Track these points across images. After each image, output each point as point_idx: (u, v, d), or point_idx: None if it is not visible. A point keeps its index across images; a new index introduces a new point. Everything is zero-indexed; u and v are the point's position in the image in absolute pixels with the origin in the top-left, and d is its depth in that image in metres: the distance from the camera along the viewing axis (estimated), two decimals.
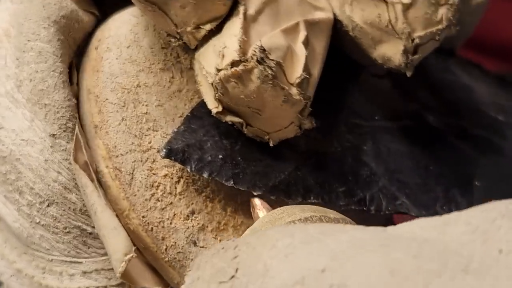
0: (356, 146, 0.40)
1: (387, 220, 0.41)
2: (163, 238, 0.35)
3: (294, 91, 0.34)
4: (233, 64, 0.33)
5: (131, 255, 0.34)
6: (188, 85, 0.39)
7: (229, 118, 0.36)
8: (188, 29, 0.36)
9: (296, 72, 0.34)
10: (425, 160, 0.42)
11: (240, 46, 0.33)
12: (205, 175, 0.35)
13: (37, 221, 0.36)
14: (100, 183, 0.36)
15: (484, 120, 0.48)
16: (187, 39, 0.37)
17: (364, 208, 0.38)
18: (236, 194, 0.37)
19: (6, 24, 0.38)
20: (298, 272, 0.21)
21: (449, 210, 0.39)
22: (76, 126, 0.36)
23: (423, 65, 0.50)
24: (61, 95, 0.36)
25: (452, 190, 0.41)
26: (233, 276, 0.23)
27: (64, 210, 0.36)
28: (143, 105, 0.37)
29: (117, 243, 0.34)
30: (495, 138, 0.47)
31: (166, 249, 0.35)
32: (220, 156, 0.36)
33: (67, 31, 0.38)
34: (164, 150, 0.35)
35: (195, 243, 0.35)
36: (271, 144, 0.36)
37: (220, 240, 0.36)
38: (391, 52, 0.39)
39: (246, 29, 0.34)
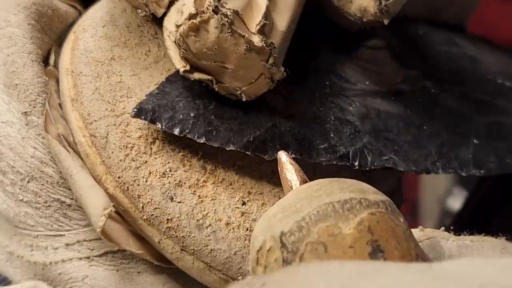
0: (341, 107, 0.40)
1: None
2: (139, 196, 0.35)
3: (255, 38, 0.33)
4: (191, 17, 0.33)
5: (110, 209, 0.34)
6: (166, 57, 0.39)
7: (197, 76, 0.35)
8: None
9: (255, 19, 0.34)
10: (419, 121, 0.41)
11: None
12: (176, 132, 0.35)
13: (20, 198, 0.37)
14: (79, 155, 0.36)
15: (488, 86, 0.47)
16: (153, 8, 0.37)
17: (347, 164, 0.37)
18: (216, 153, 0.37)
19: None
20: None
21: (441, 166, 0.38)
22: (46, 101, 0.37)
23: (424, 39, 0.49)
24: (30, 73, 0.37)
25: (445, 146, 0.39)
26: None
27: (42, 184, 0.36)
28: (117, 75, 0.38)
29: (95, 200, 0.34)
30: (500, 100, 0.46)
31: (143, 206, 0.35)
32: (192, 115, 0.35)
33: (40, 16, 0.39)
34: (134, 110, 0.35)
35: (172, 199, 0.35)
36: (243, 99, 0.36)
37: (198, 196, 0.35)
38: (366, 1, 0.38)
39: None
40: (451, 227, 0.35)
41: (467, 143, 0.40)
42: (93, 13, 0.41)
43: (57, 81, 0.39)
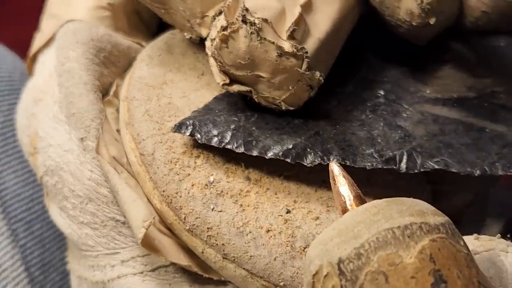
0: (393, 114, 0.38)
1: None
2: (181, 207, 0.35)
3: (286, 44, 0.34)
4: (223, 30, 0.34)
5: (149, 221, 0.34)
6: None
7: (237, 88, 0.36)
8: (197, 21, 0.38)
9: (286, 26, 0.34)
10: (482, 124, 0.39)
11: (225, 12, 0.34)
12: (214, 143, 0.35)
13: (81, 220, 0.39)
14: (133, 175, 0.38)
15: None
16: (198, 30, 0.38)
17: (394, 167, 0.35)
18: (261, 164, 0.37)
19: (54, 60, 0.42)
20: None
21: (501, 166, 0.36)
22: (100, 127, 0.39)
23: (505, 50, 0.48)
24: (85, 102, 0.39)
25: (507, 147, 0.37)
26: None
27: (99, 205, 0.38)
28: (167, 97, 0.39)
29: (136, 213, 0.35)
30: None
31: (185, 217, 0.35)
32: (232, 127, 0.36)
33: (98, 51, 0.42)
34: (176, 125, 0.36)
35: (212, 209, 0.35)
36: (283, 108, 0.36)
37: (240, 205, 0.35)
38: (410, 3, 0.38)
39: None
40: (508, 235, 0.33)
41: None
42: (152, 45, 0.43)
43: (117, 110, 0.41)
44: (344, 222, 0.28)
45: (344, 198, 0.30)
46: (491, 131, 0.38)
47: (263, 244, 0.34)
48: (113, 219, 0.38)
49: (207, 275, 0.36)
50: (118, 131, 0.40)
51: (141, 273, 0.37)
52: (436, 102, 0.40)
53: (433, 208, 0.28)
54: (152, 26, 0.48)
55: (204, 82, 0.40)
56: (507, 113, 0.40)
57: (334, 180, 0.31)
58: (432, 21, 0.37)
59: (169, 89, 0.40)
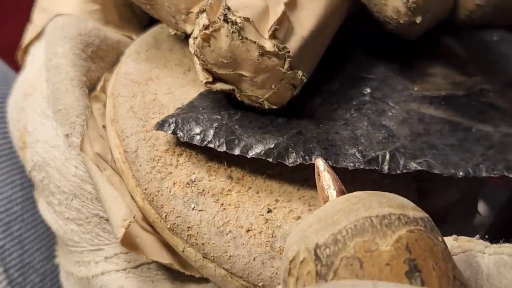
0: (378, 113, 0.38)
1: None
2: (162, 206, 0.35)
3: (267, 43, 0.34)
4: (205, 28, 0.34)
5: (129, 220, 0.34)
6: None
7: (220, 86, 0.36)
8: (182, 17, 0.38)
9: (268, 25, 0.34)
10: (469, 124, 0.38)
11: (207, 11, 0.34)
12: (196, 141, 0.35)
13: (67, 216, 0.39)
14: (117, 172, 0.38)
15: None
16: (183, 26, 0.38)
17: (376, 168, 0.35)
18: (244, 163, 0.37)
19: (43, 54, 0.42)
20: None
21: (485, 168, 0.35)
22: (85, 123, 0.39)
23: (497, 45, 0.47)
24: (71, 98, 0.39)
25: (492, 149, 0.36)
26: None
27: (83, 201, 0.38)
28: (152, 94, 0.39)
29: (116, 212, 0.35)
30: None
31: (166, 216, 0.35)
32: (215, 125, 0.36)
33: (86, 46, 0.42)
34: (158, 123, 0.36)
35: (193, 208, 0.35)
36: (266, 107, 0.36)
37: (221, 204, 0.35)
38: (396, 2, 0.37)
39: None
40: (486, 236, 0.32)
41: None
42: (141, 39, 0.43)
43: (104, 105, 0.41)
44: (325, 210, 0.28)
45: (327, 193, 0.30)
46: (477, 131, 0.38)
47: (243, 244, 0.34)
48: (97, 216, 0.38)
49: (188, 273, 0.37)
50: (104, 127, 0.40)
51: (124, 269, 0.37)
52: (423, 100, 0.40)
53: (413, 204, 0.28)
54: (144, 19, 0.48)
55: (190, 78, 0.40)
56: (495, 112, 0.39)
57: (319, 175, 0.31)
58: (418, 20, 0.37)
59: (154, 85, 0.40)
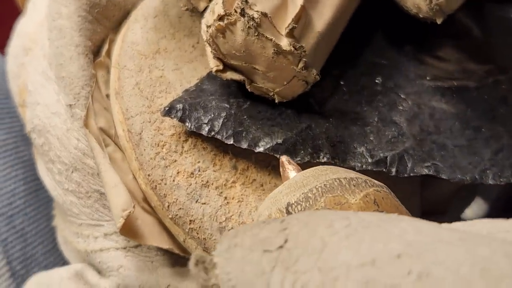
0: (389, 106, 0.37)
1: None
2: (165, 195, 0.35)
3: (284, 42, 0.32)
4: (220, 19, 0.33)
5: (128, 210, 0.34)
6: None
7: (230, 76, 0.35)
8: None
9: (286, 22, 0.33)
10: (479, 122, 0.38)
11: (224, 0, 0.33)
12: (204, 132, 0.35)
13: (66, 187, 0.38)
14: (120, 147, 0.38)
15: None
16: (195, 3, 0.37)
17: (384, 170, 0.35)
18: (250, 152, 0.36)
19: (46, 8, 0.41)
20: (366, 254, 0.20)
21: (492, 175, 0.35)
22: (90, 95, 0.38)
23: (501, 25, 0.46)
24: (75, 67, 0.38)
25: (501, 153, 0.36)
26: (281, 246, 0.22)
27: (84, 175, 0.38)
28: (159, 69, 0.38)
29: (116, 200, 0.35)
30: None
31: (168, 206, 0.35)
32: (223, 114, 0.35)
33: (92, 7, 0.40)
34: (166, 108, 0.35)
35: (196, 200, 0.35)
36: (276, 101, 0.35)
37: (225, 197, 0.35)
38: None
39: None
40: None
41: None
42: (149, 1, 0.41)
43: (109, 71, 0.40)
44: (294, 179, 0.29)
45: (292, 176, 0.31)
46: (487, 130, 0.37)
47: None
48: (97, 192, 0.38)
49: (188, 257, 0.37)
50: (107, 96, 0.39)
51: (124, 248, 0.38)
52: (435, 92, 0.39)
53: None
54: None
55: (198, 53, 0.39)
56: (506, 108, 0.39)
57: (284, 168, 0.32)
58: (439, 20, 0.36)
59: (161, 59, 0.38)
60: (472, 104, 0.39)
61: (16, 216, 0.46)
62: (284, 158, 0.32)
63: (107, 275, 0.38)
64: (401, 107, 0.38)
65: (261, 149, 0.34)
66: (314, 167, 0.30)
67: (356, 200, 0.27)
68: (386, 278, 0.19)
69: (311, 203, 0.27)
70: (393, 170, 0.35)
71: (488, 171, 0.35)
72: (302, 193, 0.27)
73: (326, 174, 0.28)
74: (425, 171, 0.35)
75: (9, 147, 0.48)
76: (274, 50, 0.32)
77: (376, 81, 0.39)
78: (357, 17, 0.40)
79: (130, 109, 0.37)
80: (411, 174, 0.35)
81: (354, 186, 0.28)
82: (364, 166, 0.35)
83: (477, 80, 0.40)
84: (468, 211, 0.49)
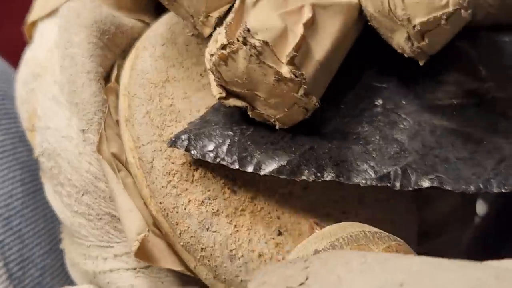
0: (390, 125, 0.38)
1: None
2: (177, 223, 0.36)
3: (284, 69, 0.34)
4: (223, 47, 0.34)
5: (143, 234, 0.36)
6: None
7: (233, 102, 0.36)
8: (201, 18, 0.38)
9: (287, 50, 0.34)
10: (480, 135, 0.39)
11: (227, 30, 0.34)
12: (209, 159, 0.36)
13: (75, 209, 0.40)
14: (131, 173, 0.39)
15: None
16: (200, 28, 0.38)
17: (388, 185, 0.36)
18: (258, 180, 0.38)
19: (56, 36, 0.42)
20: (374, 285, 0.22)
21: (496, 184, 0.36)
22: (102, 121, 0.39)
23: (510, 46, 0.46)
24: (88, 93, 0.40)
25: (504, 162, 0.37)
26: (302, 283, 0.24)
27: (95, 198, 0.39)
28: (168, 98, 0.39)
29: (131, 224, 0.36)
30: None
31: (180, 233, 0.36)
32: (228, 141, 0.36)
33: (102, 34, 0.42)
34: (172, 139, 0.37)
35: (207, 228, 0.36)
36: (277, 127, 0.36)
37: (235, 225, 0.36)
38: (401, 40, 0.37)
39: (240, 13, 0.35)
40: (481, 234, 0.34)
41: None
42: (156, 28, 0.43)
43: (118, 97, 0.41)
44: (322, 231, 0.32)
45: None
46: (488, 143, 0.38)
47: (253, 269, 0.36)
48: (108, 214, 0.39)
49: (200, 278, 0.38)
50: (117, 121, 0.40)
51: (134, 269, 0.39)
52: (435, 111, 0.40)
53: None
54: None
55: (206, 81, 0.40)
56: (507, 122, 0.39)
57: (313, 229, 0.34)
58: (421, 62, 0.37)
59: (171, 88, 0.40)
60: (473, 120, 0.39)
61: (13, 218, 0.47)
62: (312, 220, 0.35)
63: None
64: (402, 126, 0.38)
65: (266, 172, 0.36)
66: (341, 223, 0.32)
67: (379, 250, 0.29)
68: None
69: (337, 250, 0.29)
70: (397, 184, 0.36)
71: (492, 180, 0.36)
72: (329, 242, 0.29)
73: (352, 227, 0.31)
74: (429, 184, 0.36)
75: (7, 148, 0.49)
76: (275, 77, 0.34)
77: (376, 103, 0.40)
78: (357, 45, 0.42)
79: (141, 138, 0.38)
80: (416, 187, 0.36)
81: (378, 238, 0.30)
82: (368, 182, 0.36)
83: (476, 97, 0.41)
84: None
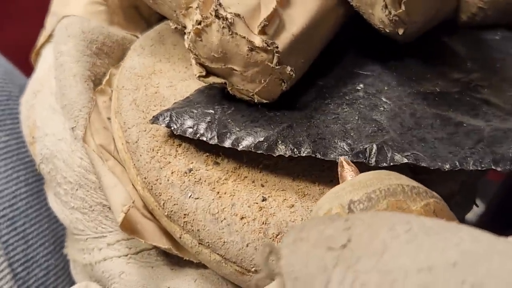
0: (371, 107, 0.39)
1: None
2: (160, 194, 0.37)
3: (257, 39, 0.35)
4: (197, 24, 0.35)
5: (128, 205, 0.36)
6: None
7: (212, 80, 0.37)
8: (182, 11, 0.39)
9: (258, 22, 0.35)
10: (461, 118, 0.39)
11: (200, 6, 0.36)
12: (189, 134, 0.37)
13: (72, 205, 0.41)
14: (121, 162, 0.40)
15: None
16: (183, 21, 0.40)
17: (364, 161, 0.36)
18: (241, 153, 0.38)
19: (52, 53, 0.45)
20: (424, 261, 0.21)
21: (473, 162, 0.36)
22: (88, 115, 0.41)
23: (498, 44, 0.47)
24: (74, 93, 0.41)
25: (481, 143, 0.37)
26: (344, 245, 0.23)
27: (88, 190, 0.40)
28: (154, 87, 0.41)
29: (116, 198, 0.37)
30: None
31: (163, 203, 0.37)
32: (208, 119, 0.37)
33: (90, 42, 0.44)
34: (153, 117, 0.38)
35: (190, 196, 0.36)
36: (256, 101, 0.37)
37: (217, 192, 0.37)
38: (381, 13, 0.38)
39: None
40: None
41: (509, 138, 0.37)
42: (146, 35, 0.45)
43: (111, 98, 0.43)
44: (357, 178, 0.30)
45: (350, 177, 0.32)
46: (468, 125, 0.38)
47: (237, 231, 0.36)
48: (100, 204, 0.40)
49: (187, 258, 0.38)
50: (109, 119, 0.42)
51: (126, 255, 0.39)
52: (417, 96, 0.40)
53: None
54: (152, 21, 0.50)
55: (192, 73, 0.42)
56: (488, 108, 0.40)
57: (342, 167, 0.33)
58: (400, 31, 0.38)
59: (157, 78, 0.41)
60: (454, 105, 0.40)
61: (17, 218, 0.48)
62: (342, 158, 0.34)
63: (110, 284, 0.39)
64: (382, 108, 0.39)
65: (243, 146, 0.36)
66: (377, 171, 0.31)
67: (417, 207, 0.28)
68: (442, 286, 0.20)
69: (373, 203, 0.28)
70: (373, 160, 0.36)
71: (468, 158, 0.36)
72: (365, 193, 0.29)
73: (390, 178, 0.30)
74: (405, 160, 0.36)
75: (11, 148, 0.50)
76: (248, 47, 0.35)
77: (358, 88, 0.41)
78: (342, 34, 0.43)
79: (127, 122, 0.39)
80: (391, 163, 0.36)
81: (416, 194, 0.29)
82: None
83: (459, 86, 0.41)
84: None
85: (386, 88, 0.41)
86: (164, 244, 0.38)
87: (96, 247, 0.40)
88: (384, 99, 0.40)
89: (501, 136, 0.37)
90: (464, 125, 0.38)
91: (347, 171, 0.33)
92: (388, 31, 0.39)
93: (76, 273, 0.43)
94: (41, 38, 0.48)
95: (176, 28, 0.41)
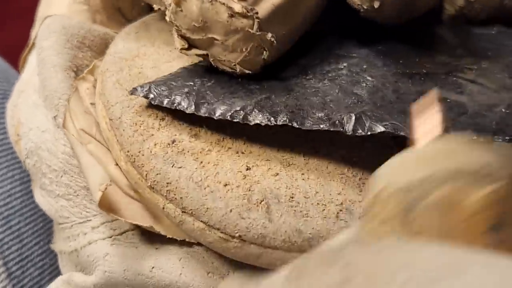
0: (353, 83, 0.39)
1: None
2: (143, 165, 0.36)
3: (236, 5, 0.35)
4: None
5: (105, 184, 0.36)
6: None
7: (194, 52, 0.37)
8: None
9: None
10: (445, 95, 0.38)
11: None
12: (166, 104, 0.37)
13: (57, 193, 0.41)
14: (103, 143, 0.40)
15: None
16: (166, 1, 0.40)
17: (341, 129, 0.35)
18: (225, 126, 0.38)
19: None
20: None
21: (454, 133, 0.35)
22: (67, 102, 0.41)
23: (493, 38, 0.47)
24: (54, 83, 0.42)
25: (464, 115, 0.36)
26: None
27: (72, 176, 0.40)
28: (138, 68, 0.41)
29: (94, 177, 0.37)
30: None
31: (146, 174, 0.36)
32: (186, 90, 0.37)
33: (71, 36, 0.44)
34: (133, 88, 0.38)
35: (173, 165, 0.36)
36: (238, 72, 0.37)
37: (201, 162, 0.36)
38: None
39: None
40: None
41: (493, 112, 0.37)
42: (132, 24, 0.46)
43: (94, 86, 0.43)
44: (423, 151, 0.28)
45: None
46: (452, 101, 0.38)
47: (220, 197, 0.35)
48: (84, 188, 0.40)
49: (170, 236, 0.37)
50: (92, 104, 0.41)
51: (110, 237, 0.39)
52: (402, 76, 0.40)
53: None
54: (133, 21, 0.50)
55: (176, 55, 0.42)
56: (474, 86, 0.39)
57: (427, 104, 0.30)
58: (376, 4, 0.38)
59: (140, 61, 0.41)
60: (440, 84, 0.39)
61: (12, 217, 0.47)
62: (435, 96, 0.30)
63: (94, 268, 0.38)
64: (364, 84, 0.38)
65: (219, 115, 0.36)
66: (447, 138, 0.28)
67: (477, 198, 0.25)
68: None
69: (431, 188, 0.25)
70: (350, 128, 0.35)
71: (450, 129, 0.35)
72: (429, 174, 0.26)
73: (455, 155, 0.26)
74: (383, 129, 0.35)
75: (6, 147, 0.50)
76: (228, 13, 0.35)
77: (341, 66, 0.40)
78: (331, 19, 0.43)
79: (110, 100, 0.39)
80: (369, 132, 0.35)
81: (482, 177, 0.25)
82: (321, 127, 0.35)
83: (447, 68, 0.41)
84: None
85: (371, 68, 0.40)
86: (146, 222, 0.37)
87: (82, 232, 0.40)
88: (367, 77, 0.39)
89: (485, 110, 0.37)
90: (448, 100, 0.38)
91: (432, 113, 0.30)
92: (365, 7, 0.39)
93: (63, 266, 0.42)
94: (28, 46, 0.48)
95: (159, 9, 0.41)
